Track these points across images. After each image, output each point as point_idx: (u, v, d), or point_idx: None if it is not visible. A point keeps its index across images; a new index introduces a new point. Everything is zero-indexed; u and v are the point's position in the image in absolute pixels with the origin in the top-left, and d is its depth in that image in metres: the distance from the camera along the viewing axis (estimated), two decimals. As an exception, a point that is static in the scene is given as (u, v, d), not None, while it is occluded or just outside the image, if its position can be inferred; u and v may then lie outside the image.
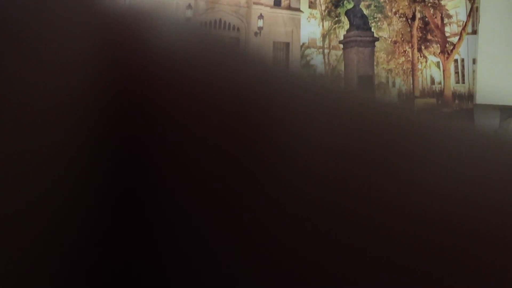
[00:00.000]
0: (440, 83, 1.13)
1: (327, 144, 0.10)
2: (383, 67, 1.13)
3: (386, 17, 1.14)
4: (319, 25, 1.14)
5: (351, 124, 0.10)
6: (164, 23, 0.11)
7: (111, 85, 0.10)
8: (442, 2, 1.13)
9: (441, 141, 0.10)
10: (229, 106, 0.10)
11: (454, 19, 1.13)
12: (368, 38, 1.14)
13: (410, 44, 1.14)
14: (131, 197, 0.10)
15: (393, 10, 1.14)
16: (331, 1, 1.14)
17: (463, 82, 1.12)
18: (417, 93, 1.13)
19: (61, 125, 0.09)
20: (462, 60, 1.12)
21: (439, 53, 1.13)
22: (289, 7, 1.14)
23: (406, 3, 1.14)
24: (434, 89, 1.13)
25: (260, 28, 1.12)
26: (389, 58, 1.14)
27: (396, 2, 1.14)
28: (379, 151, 0.10)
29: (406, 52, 1.14)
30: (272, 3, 1.13)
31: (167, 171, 0.10)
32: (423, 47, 1.14)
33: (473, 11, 1.11)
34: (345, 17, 1.14)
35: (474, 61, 1.10)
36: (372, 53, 1.13)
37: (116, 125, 0.10)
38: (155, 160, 0.10)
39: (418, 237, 0.09)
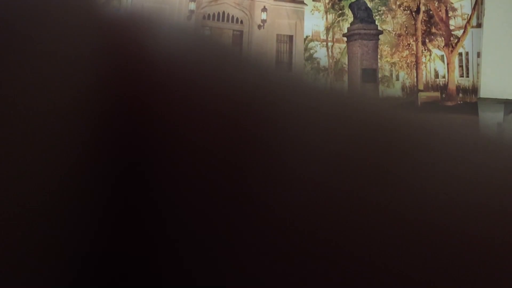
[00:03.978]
0: (444, 76, 1.13)
1: (327, 148, 0.10)
2: (387, 60, 1.13)
3: (390, 10, 1.14)
4: (322, 18, 1.14)
5: (351, 128, 0.10)
6: (163, 27, 0.11)
7: (111, 90, 0.10)
8: (447, -5, 1.12)
9: (444, 137, 0.10)
10: (229, 111, 0.10)
11: (458, 12, 1.13)
12: (372, 31, 1.13)
13: (414, 37, 1.13)
14: (129, 199, 0.10)
15: (397, 3, 1.13)
16: (335, -6, 1.13)
17: (467, 76, 1.11)
18: (421, 87, 1.12)
19: (60, 129, 0.09)
20: (467, 54, 1.12)
21: (443, 47, 1.13)
22: (292, 0, 1.13)
23: (411, -4, 1.13)
24: (438, 82, 1.13)
25: (263, 21, 1.12)
26: (393, 51, 1.13)
27: (401, -5, 1.13)
28: (379, 154, 0.09)
29: (410, 45, 1.13)
30: (275, -5, 1.13)
31: (166, 176, 0.10)
32: (427, 41, 1.13)
33: (478, 4, 1.11)
34: (349, 10, 1.14)
35: (478, 55, 1.10)
36: (376, 46, 1.13)
37: (115, 129, 0.10)
38: (154, 165, 0.10)
39: (427, 239, 0.09)
